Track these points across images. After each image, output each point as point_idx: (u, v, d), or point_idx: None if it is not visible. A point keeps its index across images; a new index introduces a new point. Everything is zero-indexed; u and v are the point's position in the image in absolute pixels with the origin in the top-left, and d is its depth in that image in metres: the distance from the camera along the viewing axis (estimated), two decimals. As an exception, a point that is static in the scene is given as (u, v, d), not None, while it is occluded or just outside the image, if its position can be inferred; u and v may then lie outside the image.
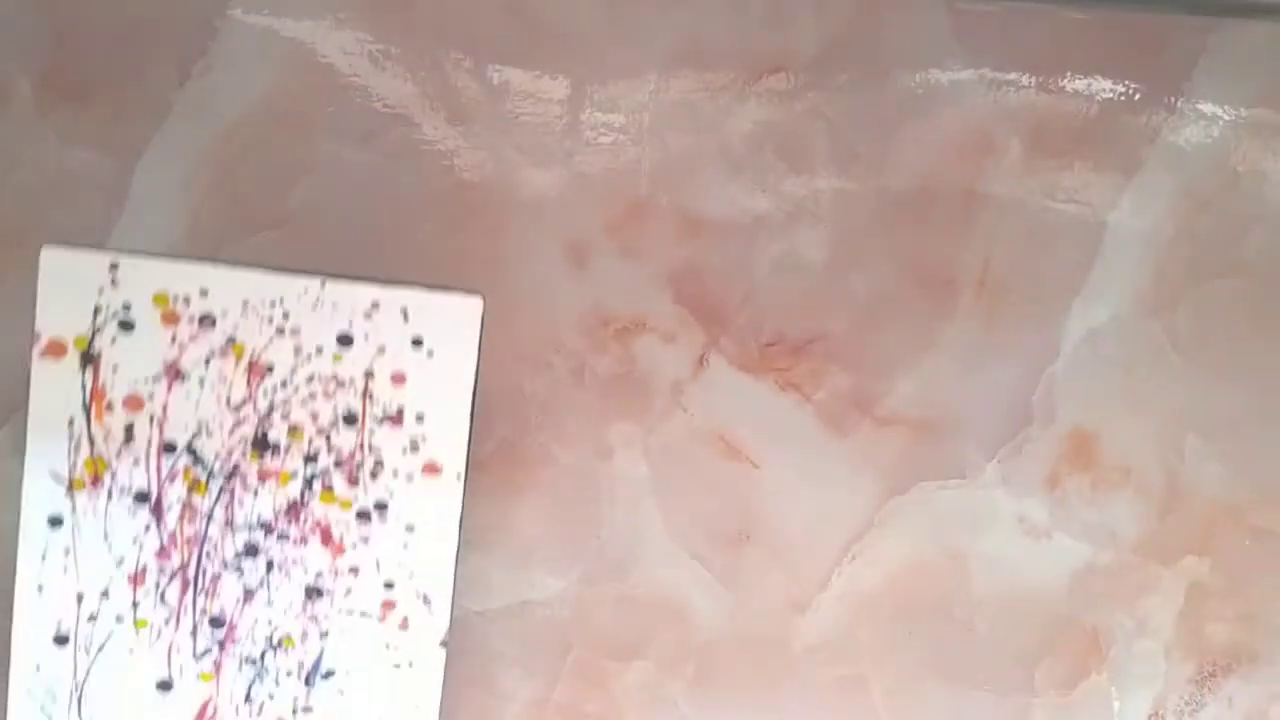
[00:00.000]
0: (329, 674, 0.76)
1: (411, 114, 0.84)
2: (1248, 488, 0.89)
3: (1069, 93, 0.89)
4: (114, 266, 0.73)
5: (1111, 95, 0.90)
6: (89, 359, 0.73)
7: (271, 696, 0.76)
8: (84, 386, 0.73)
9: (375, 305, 0.74)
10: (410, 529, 0.75)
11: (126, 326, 0.73)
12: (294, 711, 0.76)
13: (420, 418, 0.75)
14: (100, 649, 0.75)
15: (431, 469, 0.75)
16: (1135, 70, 0.90)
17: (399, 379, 0.74)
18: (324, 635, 0.76)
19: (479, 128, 0.85)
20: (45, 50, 0.82)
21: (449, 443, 0.75)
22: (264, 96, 0.83)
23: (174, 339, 0.73)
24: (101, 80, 0.82)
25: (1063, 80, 0.89)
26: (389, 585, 0.75)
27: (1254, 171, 0.91)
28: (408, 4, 0.84)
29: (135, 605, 0.75)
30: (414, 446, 0.75)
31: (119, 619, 0.75)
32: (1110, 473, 0.91)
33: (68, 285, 0.73)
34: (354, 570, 0.75)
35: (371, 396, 0.75)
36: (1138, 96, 0.90)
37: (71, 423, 0.74)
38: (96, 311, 0.73)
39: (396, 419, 0.75)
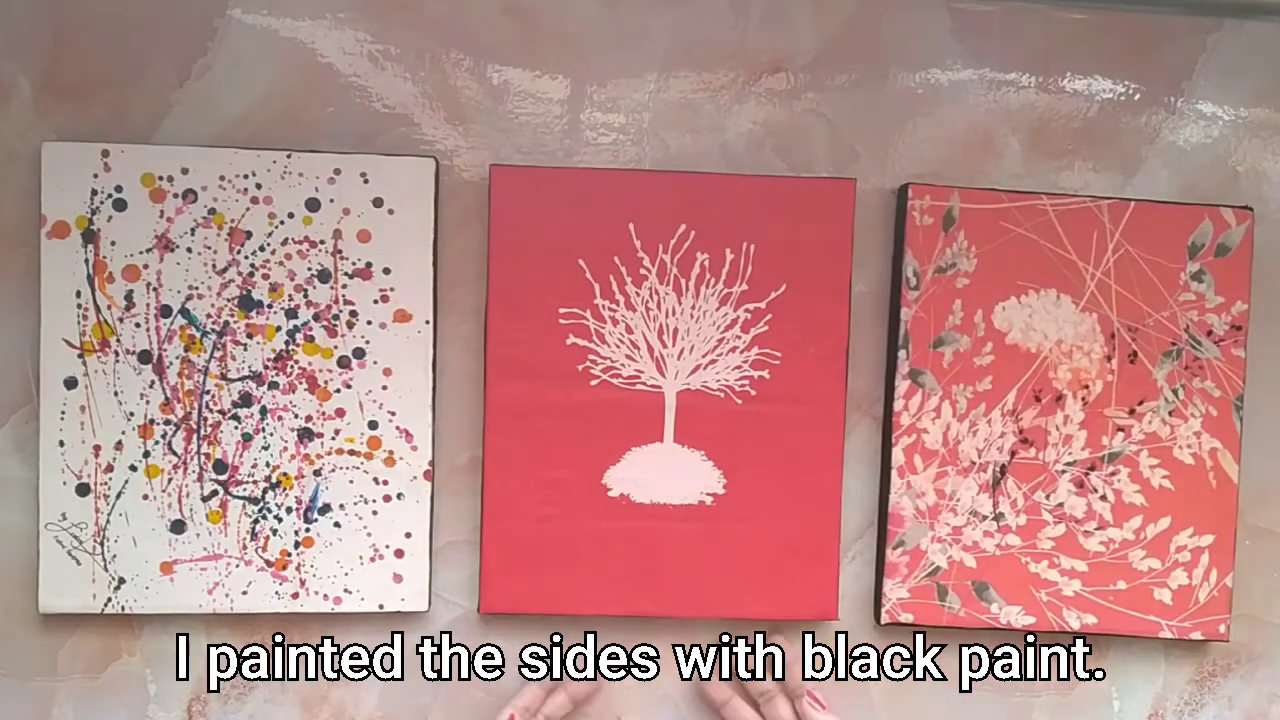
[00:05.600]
0: (325, 508, 0.82)
1: (411, 114, 0.84)
2: (1248, 488, 0.89)
3: (1069, 93, 0.89)
4: (105, 154, 0.80)
5: (1111, 95, 0.90)
6: (89, 236, 0.80)
7: (274, 532, 0.82)
8: (87, 261, 0.80)
9: (338, 171, 0.81)
10: (388, 372, 0.82)
11: (120, 205, 0.80)
12: (296, 545, 0.82)
13: (388, 270, 0.82)
14: (118, 496, 0.81)
15: (402, 316, 0.82)
16: (1135, 70, 0.90)
17: (365, 236, 0.82)
18: (318, 473, 0.82)
19: (479, 128, 0.85)
20: (45, 50, 0.82)
21: (416, 291, 0.82)
22: (264, 96, 0.83)
23: (162, 213, 0.81)
24: (101, 80, 0.82)
25: (1063, 80, 0.89)
26: (373, 425, 0.82)
27: (1254, 171, 0.91)
28: (408, 4, 0.84)
29: (146, 455, 0.81)
30: (384, 297, 0.82)
31: (133, 468, 0.81)
32: (1110, 473, 0.91)
33: (66, 173, 0.79)
34: (340, 412, 0.82)
35: (341, 254, 0.82)
36: (1138, 96, 0.90)
37: (78, 294, 0.80)
38: (93, 194, 0.80)
39: (366, 273, 0.82)
